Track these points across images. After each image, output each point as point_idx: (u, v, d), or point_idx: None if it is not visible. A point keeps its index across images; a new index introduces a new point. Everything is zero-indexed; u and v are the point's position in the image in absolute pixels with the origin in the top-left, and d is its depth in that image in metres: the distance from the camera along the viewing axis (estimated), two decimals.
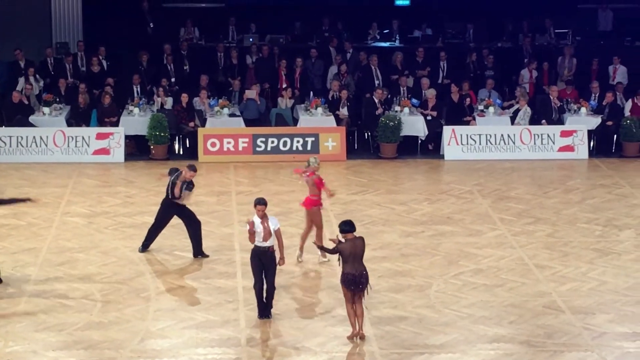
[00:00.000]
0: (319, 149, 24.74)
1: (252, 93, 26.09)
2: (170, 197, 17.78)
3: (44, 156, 24.40)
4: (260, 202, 15.26)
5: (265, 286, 15.20)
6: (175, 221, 19.83)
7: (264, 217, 15.13)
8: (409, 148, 25.54)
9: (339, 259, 14.53)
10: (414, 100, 26.19)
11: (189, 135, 25.38)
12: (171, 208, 17.92)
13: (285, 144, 24.80)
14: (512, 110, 26.12)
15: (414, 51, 28.76)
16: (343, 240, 14.56)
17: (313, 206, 17.48)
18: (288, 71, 27.84)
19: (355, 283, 14.33)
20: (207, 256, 17.96)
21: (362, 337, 14.50)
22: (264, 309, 15.24)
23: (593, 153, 25.51)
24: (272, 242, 15.11)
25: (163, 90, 25.89)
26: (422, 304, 15.94)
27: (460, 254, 18.17)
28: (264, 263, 15.15)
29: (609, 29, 31.53)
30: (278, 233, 15.20)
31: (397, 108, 25.72)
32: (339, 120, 25.62)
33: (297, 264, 17.50)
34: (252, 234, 15.16)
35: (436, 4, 30.79)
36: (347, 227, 14.56)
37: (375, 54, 28.27)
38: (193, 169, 17.78)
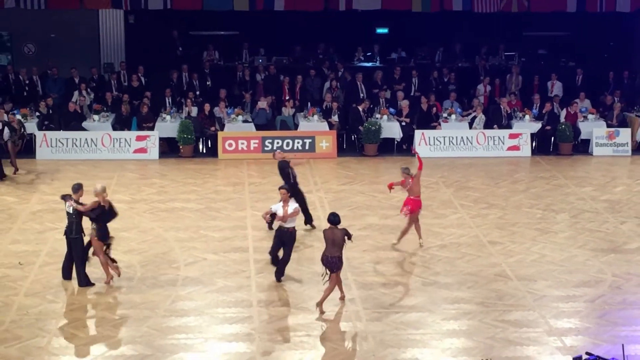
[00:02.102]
0: (315, 149, 24.78)
1: (263, 104, 26.09)
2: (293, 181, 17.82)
3: (94, 154, 24.38)
4: (282, 187, 15.65)
5: (280, 256, 15.44)
6: (200, 206, 19.85)
7: (285, 201, 15.26)
8: (388, 148, 25.51)
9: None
10: (391, 109, 26.18)
11: (210, 138, 25.37)
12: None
13: (287, 144, 24.76)
14: (470, 117, 26.14)
15: (392, 70, 28.72)
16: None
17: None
18: (290, 86, 27.76)
19: (328, 263, 14.13)
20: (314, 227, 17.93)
21: (342, 299, 14.50)
22: (276, 273, 15.42)
23: (535, 152, 25.51)
24: (292, 223, 15.22)
25: (190, 101, 25.89)
26: (397, 273, 15.99)
27: (428, 232, 18.14)
28: (283, 241, 15.30)
29: (545, 52, 31.54)
30: (298, 209, 15.46)
31: (378, 115, 25.74)
32: (331, 126, 25.61)
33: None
34: (267, 214, 15.80)
35: (409, 32, 30.73)
36: (334, 218, 14.31)
37: (360, 72, 28.21)
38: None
